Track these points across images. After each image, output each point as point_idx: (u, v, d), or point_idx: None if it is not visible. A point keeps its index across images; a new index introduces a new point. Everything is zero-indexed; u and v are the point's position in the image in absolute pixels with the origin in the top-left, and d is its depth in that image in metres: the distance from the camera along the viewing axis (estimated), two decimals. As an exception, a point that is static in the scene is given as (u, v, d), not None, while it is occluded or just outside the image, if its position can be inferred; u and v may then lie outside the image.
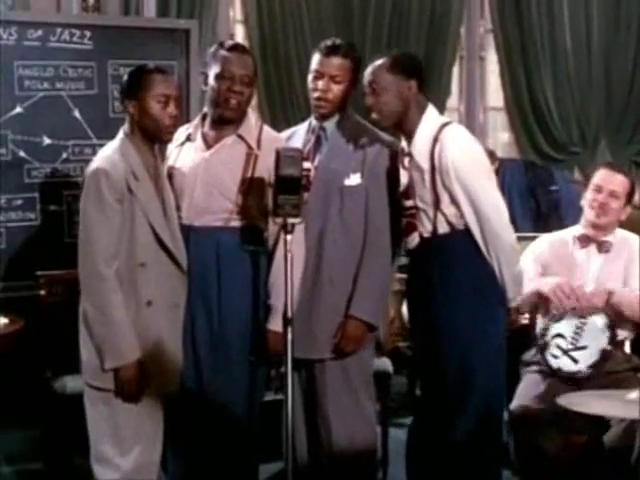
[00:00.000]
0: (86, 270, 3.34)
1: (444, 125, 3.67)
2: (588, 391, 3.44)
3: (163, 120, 3.40)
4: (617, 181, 4.14)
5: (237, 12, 6.56)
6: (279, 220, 3.32)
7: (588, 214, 4.15)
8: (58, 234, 4.78)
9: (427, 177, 3.62)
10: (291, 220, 3.29)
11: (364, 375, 3.88)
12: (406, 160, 3.71)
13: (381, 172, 3.79)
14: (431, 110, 3.72)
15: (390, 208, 3.79)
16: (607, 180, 4.13)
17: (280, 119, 6.11)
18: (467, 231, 3.64)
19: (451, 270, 3.64)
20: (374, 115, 3.67)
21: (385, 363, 4.58)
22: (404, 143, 3.73)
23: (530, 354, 4.18)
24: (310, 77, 3.82)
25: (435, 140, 3.61)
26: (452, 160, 3.57)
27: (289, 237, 3.29)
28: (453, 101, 7.22)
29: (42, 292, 4.49)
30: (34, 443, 4.67)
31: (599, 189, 4.12)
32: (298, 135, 3.91)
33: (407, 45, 6.66)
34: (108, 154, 3.40)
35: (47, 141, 4.79)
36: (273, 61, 6.39)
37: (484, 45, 7.38)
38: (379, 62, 3.67)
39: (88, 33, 4.82)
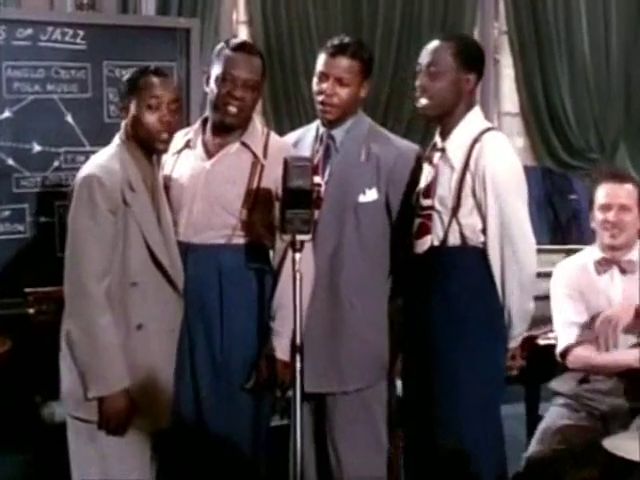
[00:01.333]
0: (73, 286, 3.10)
1: (489, 129, 3.39)
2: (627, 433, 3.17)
3: (152, 125, 3.16)
4: (624, 193, 3.82)
5: (241, 13, 6.36)
6: (287, 237, 3.05)
7: (602, 237, 3.83)
8: (49, 248, 4.55)
9: (455, 177, 3.33)
10: (300, 237, 3.03)
11: (383, 404, 3.64)
12: (436, 156, 3.42)
13: (402, 182, 3.52)
14: (477, 110, 3.45)
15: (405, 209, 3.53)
16: (613, 195, 3.81)
17: (286, 126, 5.88)
18: (481, 251, 3.34)
19: (454, 290, 3.34)
20: (423, 100, 3.37)
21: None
22: (438, 138, 3.45)
23: (559, 382, 3.90)
24: (315, 79, 3.55)
25: (475, 141, 3.32)
26: (493, 170, 3.27)
27: (298, 256, 3.02)
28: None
29: (31, 310, 4.30)
30: (26, 469, 4.47)
31: (607, 207, 3.81)
32: (305, 143, 3.63)
33: (418, 48, 6.23)
34: (102, 161, 3.18)
35: (37, 148, 4.61)
36: (278, 64, 6.18)
37: (498, 48, 7.14)
38: (443, 43, 3.37)
39: (81, 32, 4.63)
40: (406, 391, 3.59)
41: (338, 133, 3.56)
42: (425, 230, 3.39)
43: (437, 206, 3.37)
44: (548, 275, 4.98)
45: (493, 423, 3.41)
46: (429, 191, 3.40)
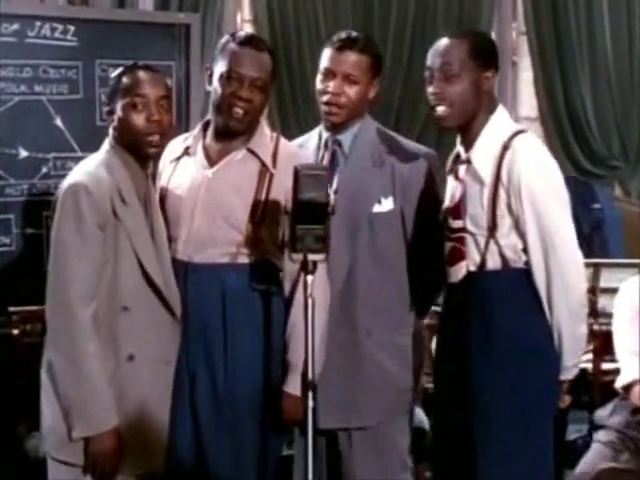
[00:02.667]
0: (56, 310, 2.87)
1: (519, 132, 3.04)
2: None
3: (140, 127, 2.93)
4: None
5: (245, 11, 6.25)
6: (298, 256, 2.74)
7: None
8: (36, 262, 4.28)
9: (487, 192, 2.99)
10: (313, 257, 2.72)
11: (406, 437, 3.34)
12: (461, 169, 3.09)
13: (415, 193, 3.23)
14: (502, 111, 3.10)
15: (429, 232, 3.23)
16: None
17: (293, 131, 5.72)
18: (524, 272, 3.00)
19: (497, 320, 3.00)
20: (442, 108, 3.04)
21: (420, 417, 3.96)
22: (460, 148, 3.13)
23: (606, 412, 3.60)
24: (319, 76, 3.26)
25: (505, 148, 2.98)
26: (528, 180, 2.93)
27: (310, 278, 2.71)
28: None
29: (15, 331, 4.12)
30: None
31: None
32: (307, 151, 3.35)
33: None
34: (90, 168, 2.97)
35: (24, 154, 4.42)
36: (285, 65, 6.07)
37: (516, 49, 7.01)
38: (454, 41, 3.05)
39: (72, 28, 4.45)
40: (438, 426, 3.31)
41: (345, 138, 3.28)
42: (459, 256, 3.07)
43: (470, 227, 3.04)
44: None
45: (542, 465, 3.06)
46: (458, 210, 3.07)
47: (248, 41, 3.06)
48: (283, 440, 3.33)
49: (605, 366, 3.88)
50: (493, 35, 6.70)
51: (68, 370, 2.83)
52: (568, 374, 3.03)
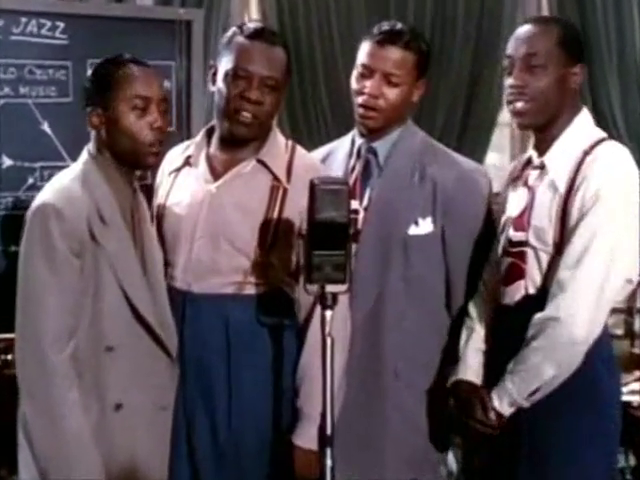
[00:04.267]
0: (28, 354, 2.57)
1: (604, 139, 2.70)
2: None
3: (140, 134, 2.62)
4: None
5: (253, 10, 5.99)
6: (314, 288, 2.39)
7: None
8: None
9: (557, 202, 2.65)
10: (332, 288, 2.37)
11: None
12: (532, 175, 2.76)
13: (460, 215, 2.88)
14: (586, 114, 2.77)
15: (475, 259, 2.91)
16: None
17: (304, 138, 5.49)
18: None
19: None
20: (521, 104, 2.72)
21: (449, 460, 3.65)
22: (532, 152, 2.80)
23: None
24: (355, 74, 2.93)
25: (586, 154, 2.64)
26: (603, 193, 2.56)
27: (329, 313, 2.36)
28: (504, 116, 6.35)
29: None
30: None
31: None
32: (336, 159, 3.02)
33: (452, 51, 6.20)
34: (62, 184, 2.64)
35: (8, 162, 4.11)
36: (295, 67, 5.63)
37: None
38: (541, 28, 2.75)
39: (61, 24, 4.15)
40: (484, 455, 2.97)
41: (381, 146, 2.94)
42: (517, 274, 2.73)
43: (532, 241, 2.69)
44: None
45: None
46: (522, 221, 2.73)
47: (258, 34, 2.73)
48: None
49: (655, 399, 3.57)
50: (515, 33, 6.58)
51: (44, 425, 2.53)
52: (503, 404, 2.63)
